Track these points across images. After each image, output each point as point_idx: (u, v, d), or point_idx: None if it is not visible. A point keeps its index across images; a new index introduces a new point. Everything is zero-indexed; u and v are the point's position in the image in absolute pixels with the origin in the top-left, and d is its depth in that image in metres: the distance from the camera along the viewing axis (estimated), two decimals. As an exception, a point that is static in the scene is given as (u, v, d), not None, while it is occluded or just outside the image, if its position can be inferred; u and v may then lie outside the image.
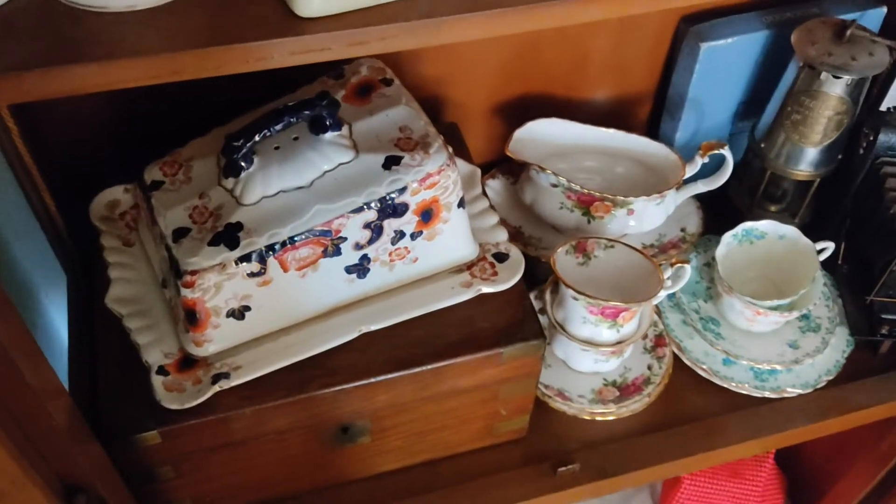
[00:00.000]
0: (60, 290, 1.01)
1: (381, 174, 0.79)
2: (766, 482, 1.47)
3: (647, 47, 1.11)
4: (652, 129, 1.19)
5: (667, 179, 1.08)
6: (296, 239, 0.77)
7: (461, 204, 0.84)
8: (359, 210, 0.78)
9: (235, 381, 0.79)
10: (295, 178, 0.79)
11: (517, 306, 0.88)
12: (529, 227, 1.12)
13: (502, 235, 0.91)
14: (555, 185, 1.05)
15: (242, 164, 0.79)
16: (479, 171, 0.96)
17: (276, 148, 0.80)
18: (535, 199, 1.08)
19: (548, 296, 1.01)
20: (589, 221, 1.06)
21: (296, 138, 0.81)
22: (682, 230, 1.14)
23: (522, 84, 1.11)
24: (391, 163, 0.80)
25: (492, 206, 0.93)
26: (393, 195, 0.79)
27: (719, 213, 1.15)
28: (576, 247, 1.00)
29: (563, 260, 0.99)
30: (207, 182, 0.81)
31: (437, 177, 0.80)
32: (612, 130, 1.09)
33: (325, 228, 0.78)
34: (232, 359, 0.81)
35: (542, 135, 1.09)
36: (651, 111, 1.18)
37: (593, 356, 0.99)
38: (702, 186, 1.09)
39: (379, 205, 0.79)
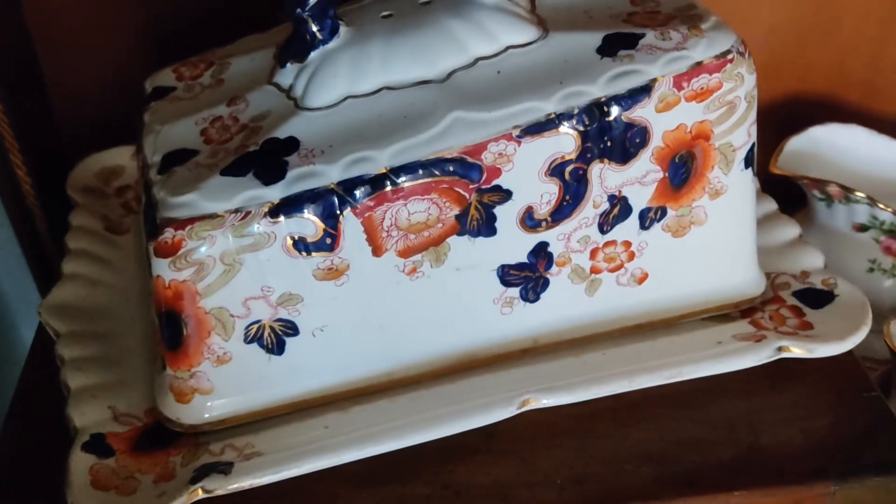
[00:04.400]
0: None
1: (596, 63, 0.38)
2: None
3: None
4: None
5: None
6: (405, 176, 0.36)
7: (751, 160, 0.40)
8: (544, 127, 0.36)
9: (242, 483, 0.36)
10: (416, 63, 0.38)
11: (853, 399, 0.42)
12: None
13: (815, 259, 0.46)
14: (863, 227, 0.60)
15: (315, 30, 0.39)
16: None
17: (387, 17, 0.41)
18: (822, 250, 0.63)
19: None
20: (925, 296, 0.60)
21: (426, 2, 0.41)
22: None
23: (794, 75, 0.69)
24: (617, 44, 0.38)
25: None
26: (618, 103, 0.37)
27: None
28: (921, 326, 0.54)
29: (901, 346, 0.52)
30: (250, 82, 0.41)
31: (715, 76, 0.37)
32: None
33: (469, 159, 0.36)
34: (247, 438, 0.38)
35: (830, 151, 0.66)
36: None
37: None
38: None
39: (586, 120, 0.37)
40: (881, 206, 0.58)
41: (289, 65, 0.40)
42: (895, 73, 0.69)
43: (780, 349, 0.40)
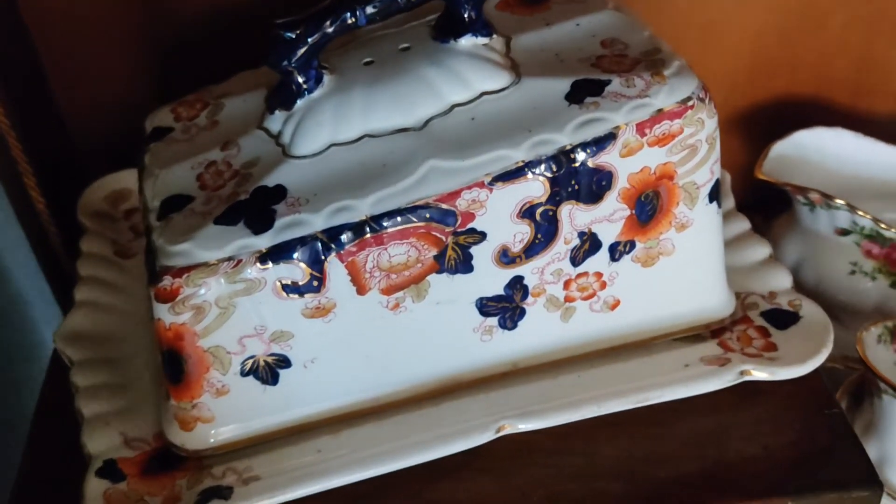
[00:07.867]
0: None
1: (563, 110, 0.40)
2: None
3: None
4: None
5: None
6: (384, 223, 0.39)
7: (715, 194, 0.43)
8: (513, 175, 0.39)
9: (242, 506, 0.39)
10: (395, 111, 0.41)
11: (816, 416, 0.44)
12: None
13: (783, 280, 0.48)
14: (845, 232, 0.62)
15: (301, 81, 0.41)
16: (727, 176, 0.55)
17: (368, 63, 0.43)
18: (806, 256, 0.65)
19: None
20: (905, 298, 0.62)
21: (406, 48, 0.43)
22: None
23: (781, 79, 0.70)
24: (585, 91, 0.40)
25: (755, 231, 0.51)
26: (584, 150, 0.39)
27: None
28: (894, 331, 0.56)
29: (874, 351, 0.55)
30: (242, 126, 0.44)
31: (676, 122, 0.39)
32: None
33: (444, 206, 0.39)
34: (246, 462, 0.42)
35: (815, 155, 0.68)
36: None
37: (939, 538, 0.52)
38: None
39: (554, 167, 0.39)
40: (860, 212, 0.60)
41: (277, 112, 0.42)
42: (883, 73, 0.70)
43: (742, 373, 0.43)
